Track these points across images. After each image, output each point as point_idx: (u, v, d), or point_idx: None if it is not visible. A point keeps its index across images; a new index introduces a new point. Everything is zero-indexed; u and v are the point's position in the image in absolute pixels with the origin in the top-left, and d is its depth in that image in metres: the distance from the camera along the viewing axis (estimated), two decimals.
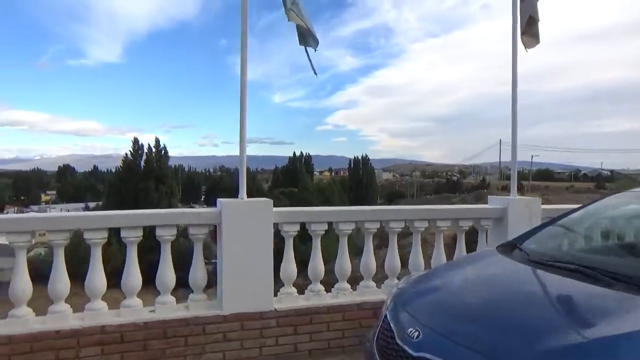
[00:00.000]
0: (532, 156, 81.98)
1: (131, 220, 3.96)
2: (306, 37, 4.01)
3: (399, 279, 4.43)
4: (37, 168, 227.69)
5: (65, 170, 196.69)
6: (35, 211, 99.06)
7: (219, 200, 4.12)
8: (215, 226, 4.12)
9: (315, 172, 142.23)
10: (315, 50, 4.08)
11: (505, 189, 67.98)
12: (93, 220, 3.93)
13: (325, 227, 4.41)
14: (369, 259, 4.60)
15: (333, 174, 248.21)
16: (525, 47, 4.82)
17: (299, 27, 3.94)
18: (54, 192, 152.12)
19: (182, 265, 4.68)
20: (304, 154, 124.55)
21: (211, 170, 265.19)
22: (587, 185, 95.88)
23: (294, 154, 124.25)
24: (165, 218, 4.05)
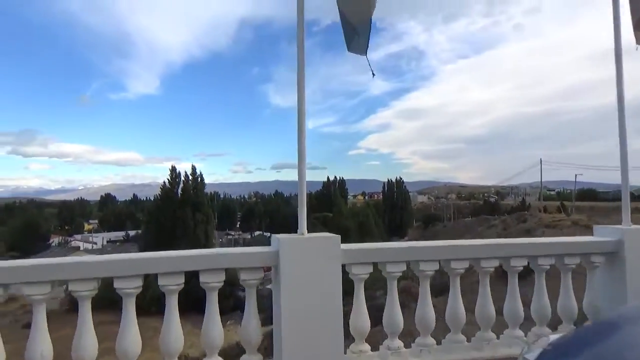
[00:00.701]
0: (575, 175, 78.42)
1: (170, 264, 3.33)
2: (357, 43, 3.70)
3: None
4: (81, 198, 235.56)
5: (107, 200, 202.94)
6: (78, 240, 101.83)
7: (275, 236, 3.44)
8: (270, 268, 3.43)
9: (348, 196, 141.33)
10: (365, 55, 3.77)
11: (546, 211, 65.03)
12: (124, 265, 3.26)
13: (404, 267, 3.63)
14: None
15: (367, 197, 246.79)
16: (638, 42, 4.13)
17: (348, 31, 3.64)
18: (96, 221, 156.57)
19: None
20: (338, 178, 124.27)
21: (245, 196, 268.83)
22: (635, 205, 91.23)
23: (328, 178, 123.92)
24: (211, 261, 3.39)
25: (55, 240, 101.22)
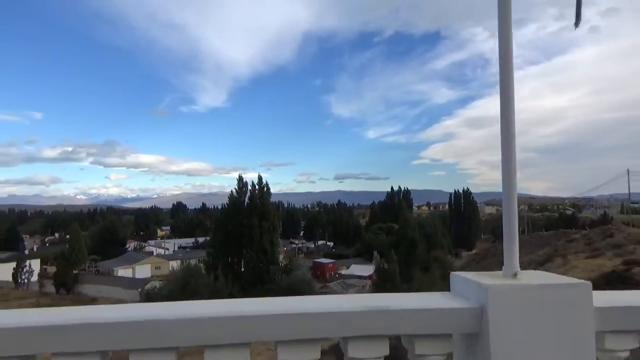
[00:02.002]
0: None
1: (297, 326, 1.63)
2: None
3: None
4: (155, 206, 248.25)
5: (178, 208, 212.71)
6: (152, 245, 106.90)
7: (472, 279, 1.86)
8: None
9: (413, 207, 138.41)
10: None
11: (634, 225, 59.67)
12: (227, 329, 1.61)
13: None
14: None
15: (431, 208, 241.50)
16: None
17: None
18: (169, 227, 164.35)
19: None
20: (402, 189, 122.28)
21: (309, 206, 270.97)
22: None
23: (392, 188, 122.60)
24: (363, 322, 1.65)
25: (131, 245, 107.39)
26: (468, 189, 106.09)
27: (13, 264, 65.13)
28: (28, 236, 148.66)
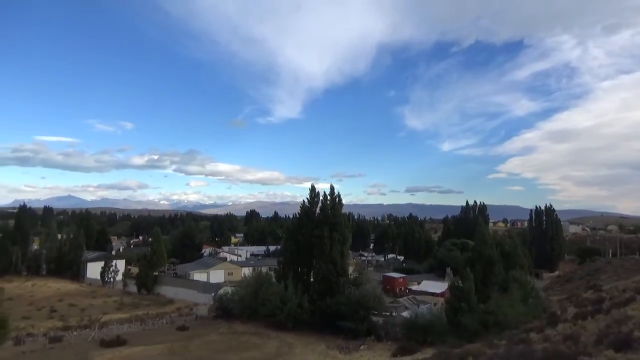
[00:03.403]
0: None
1: None
2: None
3: None
4: (230, 213, 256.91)
5: (252, 216, 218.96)
6: (226, 252, 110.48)
7: None
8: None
9: (488, 223, 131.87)
10: None
11: None
12: None
13: None
14: None
15: (509, 224, 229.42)
16: None
17: None
18: (242, 234, 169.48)
19: None
20: (478, 203, 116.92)
21: (379, 218, 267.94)
22: None
23: (467, 203, 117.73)
24: None
25: (207, 250, 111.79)
26: (550, 206, 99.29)
27: (101, 263, 69.98)
28: (116, 237, 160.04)
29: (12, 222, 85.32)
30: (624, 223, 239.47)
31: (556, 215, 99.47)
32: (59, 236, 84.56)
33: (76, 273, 74.38)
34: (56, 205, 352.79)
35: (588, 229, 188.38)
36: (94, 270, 72.21)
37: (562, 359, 9.12)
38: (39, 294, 57.55)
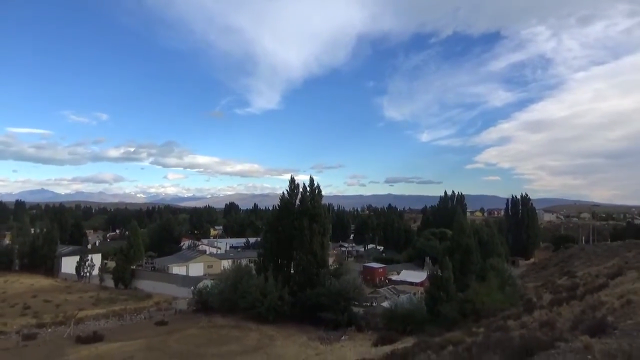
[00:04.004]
0: None
1: None
2: None
3: None
4: (209, 206, 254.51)
5: (231, 208, 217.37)
6: (205, 244, 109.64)
7: None
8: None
9: (466, 212, 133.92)
10: None
11: None
12: None
13: None
14: None
15: (486, 214, 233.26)
16: None
17: None
18: (221, 227, 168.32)
19: None
20: (456, 193, 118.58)
21: (359, 209, 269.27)
22: None
23: (445, 193, 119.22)
24: None
25: (185, 243, 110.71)
26: (526, 195, 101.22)
27: (77, 258, 68.63)
28: (92, 231, 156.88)
29: None
30: (596, 211, 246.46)
31: (531, 204, 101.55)
32: (32, 230, 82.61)
33: (50, 268, 72.80)
34: (29, 199, 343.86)
35: (562, 217, 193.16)
36: (69, 265, 70.74)
37: (539, 346, 9.24)
38: (11, 291, 56.11)
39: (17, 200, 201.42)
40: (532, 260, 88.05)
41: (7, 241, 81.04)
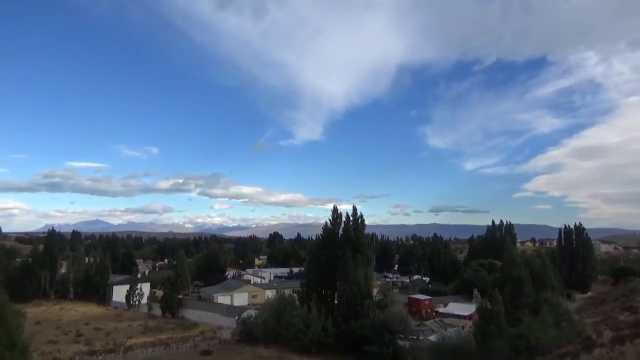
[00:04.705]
0: None
1: None
2: None
3: None
4: (253, 235, 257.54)
5: (275, 238, 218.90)
6: (250, 274, 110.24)
7: None
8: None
9: (516, 242, 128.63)
10: None
11: None
12: None
13: None
14: None
15: (537, 244, 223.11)
16: None
17: None
18: (265, 256, 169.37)
19: None
20: (505, 222, 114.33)
21: (403, 239, 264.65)
22: None
23: (493, 222, 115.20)
24: None
25: (230, 272, 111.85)
26: (580, 224, 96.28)
27: (127, 287, 70.66)
28: (142, 260, 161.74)
29: (42, 247, 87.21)
30: None
31: (586, 234, 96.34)
32: (86, 260, 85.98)
33: (102, 296, 75.23)
34: (84, 230, 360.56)
35: (620, 248, 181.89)
36: (119, 293, 72.92)
37: None
38: (66, 318, 58.27)
39: (73, 231, 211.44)
40: (589, 294, 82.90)
41: (63, 270, 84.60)
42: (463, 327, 40.87)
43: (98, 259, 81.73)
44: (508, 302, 34.32)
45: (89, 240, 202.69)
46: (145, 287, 74.11)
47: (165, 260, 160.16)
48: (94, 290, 75.84)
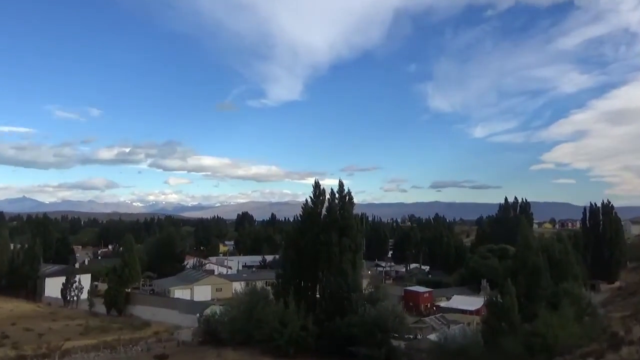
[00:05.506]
0: None
1: None
2: None
3: None
4: (217, 216, 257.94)
5: (244, 219, 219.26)
6: (213, 263, 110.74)
7: None
8: None
9: (533, 224, 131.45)
10: None
11: None
12: None
13: None
14: None
15: (557, 226, 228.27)
16: None
17: None
18: (232, 242, 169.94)
19: None
20: (520, 201, 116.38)
21: (399, 220, 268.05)
22: None
23: (506, 200, 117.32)
24: None
25: (190, 261, 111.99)
26: (608, 202, 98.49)
27: (63, 279, 70.18)
28: (80, 247, 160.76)
29: None
30: None
31: (615, 213, 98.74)
32: (12, 246, 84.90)
33: (32, 291, 74.69)
34: (8, 210, 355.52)
35: None
36: (53, 287, 72.40)
37: None
38: None
39: None
40: (617, 284, 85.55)
41: None
42: (469, 324, 41.82)
43: (26, 246, 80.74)
44: (522, 294, 35.17)
45: (15, 222, 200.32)
46: (86, 280, 73.72)
47: (110, 247, 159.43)
48: (21, 283, 75.12)
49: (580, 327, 29.19)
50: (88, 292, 68.60)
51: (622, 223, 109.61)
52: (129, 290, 66.69)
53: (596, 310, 35.42)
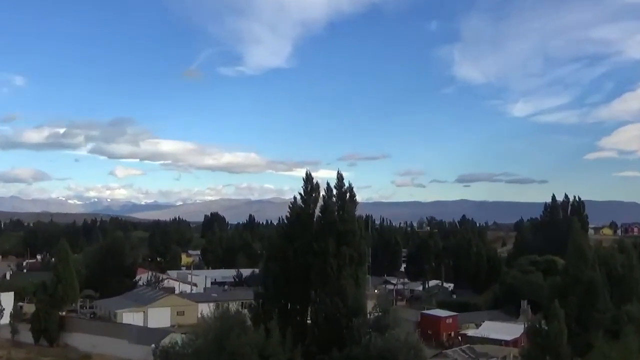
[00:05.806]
0: None
1: None
2: None
3: None
4: (179, 218, 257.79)
5: (213, 222, 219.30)
6: (174, 279, 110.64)
7: None
8: None
9: (589, 229, 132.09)
10: None
11: None
12: None
13: None
14: None
15: (620, 231, 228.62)
16: None
17: None
18: (198, 252, 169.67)
19: None
20: (572, 199, 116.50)
21: (414, 223, 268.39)
22: None
23: (553, 198, 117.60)
24: None
25: (143, 276, 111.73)
26: None
27: None
28: (0, 257, 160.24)
29: None
30: None
31: None
32: None
33: None
34: None
35: None
36: None
37: None
38: None
39: None
40: None
41: None
42: (504, 358, 42.12)
43: None
44: (573, 319, 35.52)
45: None
46: (7, 299, 73.59)
47: (38, 257, 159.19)
48: None
49: None
50: (10, 316, 68.42)
51: None
52: (64, 313, 66.61)
53: None
